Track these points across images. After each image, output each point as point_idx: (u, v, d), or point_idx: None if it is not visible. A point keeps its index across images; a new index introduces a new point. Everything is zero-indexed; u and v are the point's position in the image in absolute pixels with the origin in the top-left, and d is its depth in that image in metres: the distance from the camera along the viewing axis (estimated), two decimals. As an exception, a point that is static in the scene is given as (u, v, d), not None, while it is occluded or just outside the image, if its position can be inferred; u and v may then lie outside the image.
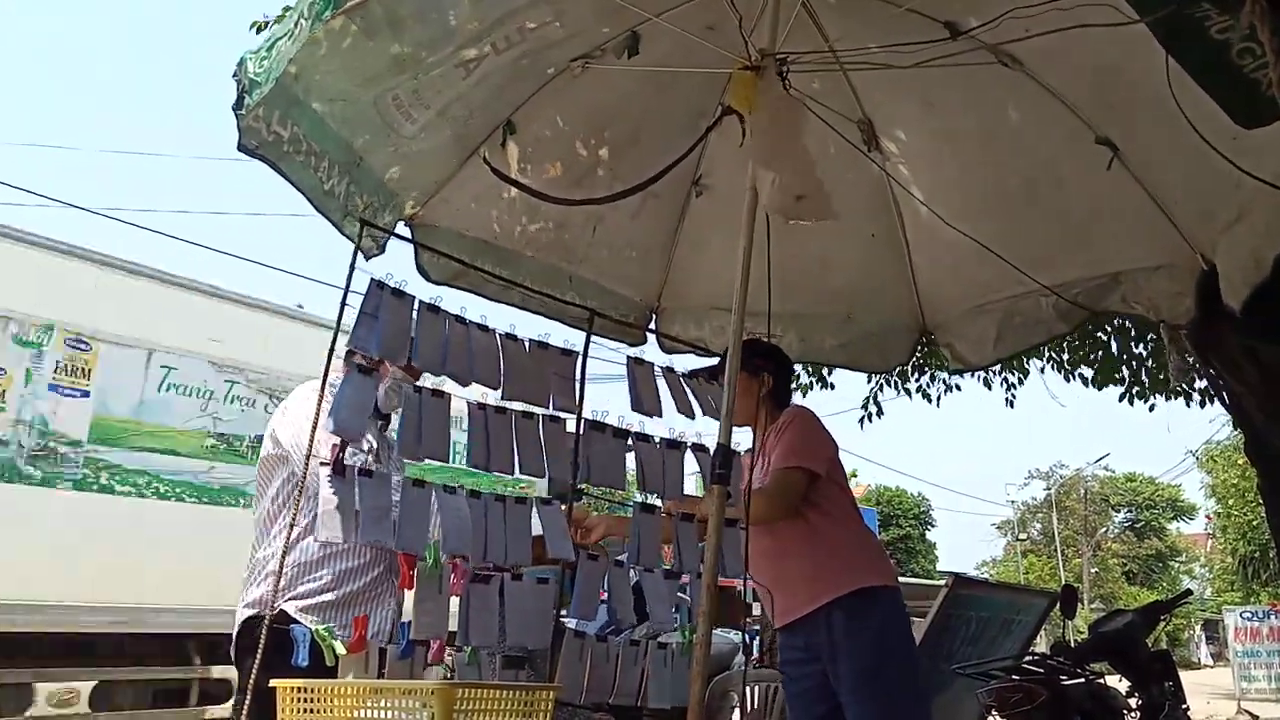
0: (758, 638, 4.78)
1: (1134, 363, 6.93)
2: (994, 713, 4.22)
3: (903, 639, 2.95)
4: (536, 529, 3.09)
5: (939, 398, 7.73)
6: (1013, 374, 7.62)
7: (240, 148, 2.56)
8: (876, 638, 2.86)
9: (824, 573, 2.91)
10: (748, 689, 3.49)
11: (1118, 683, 4.16)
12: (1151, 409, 7.30)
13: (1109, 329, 6.65)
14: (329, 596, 2.80)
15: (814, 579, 2.91)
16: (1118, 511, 42.27)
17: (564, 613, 3.21)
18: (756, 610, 5.12)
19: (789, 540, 2.98)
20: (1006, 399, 7.86)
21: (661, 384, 3.56)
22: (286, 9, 4.35)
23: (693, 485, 4.10)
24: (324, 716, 2.16)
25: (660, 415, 3.50)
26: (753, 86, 2.78)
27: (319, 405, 2.66)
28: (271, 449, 2.92)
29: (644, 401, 3.47)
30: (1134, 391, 7.11)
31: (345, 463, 2.64)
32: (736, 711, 3.56)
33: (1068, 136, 3.26)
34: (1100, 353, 6.87)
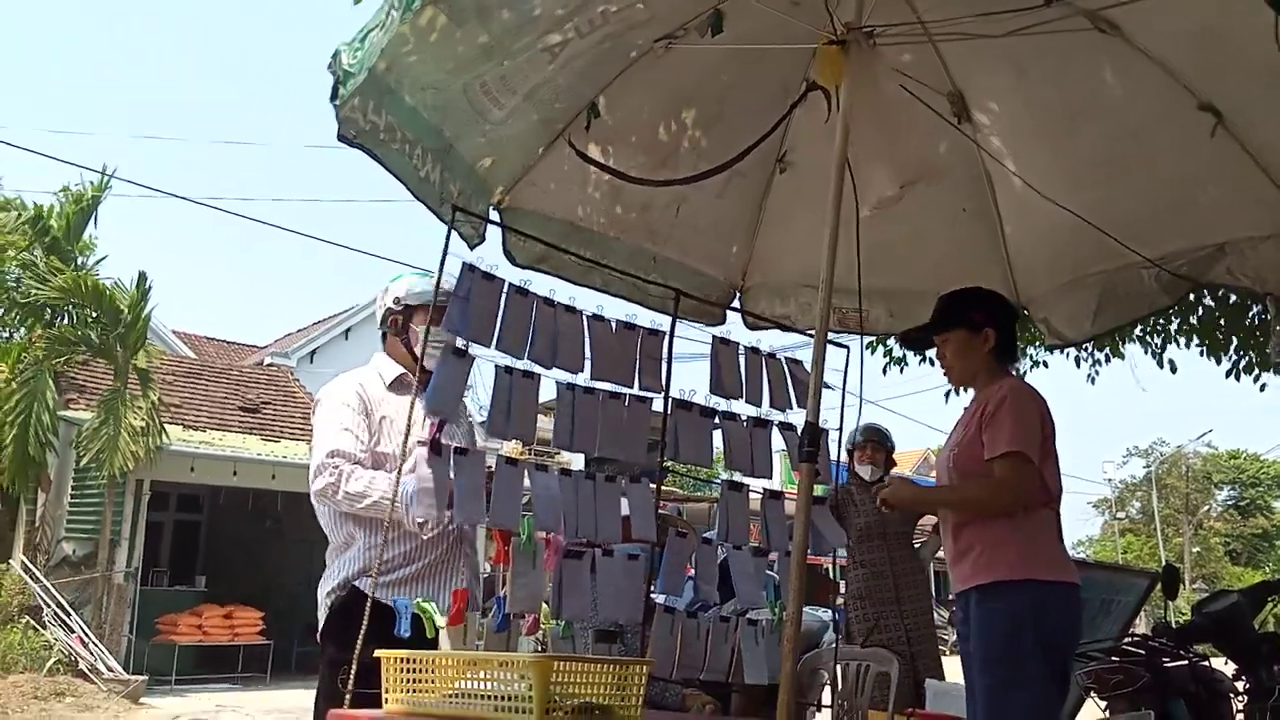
0: (845, 617, 4.78)
1: (1240, 336, 6.64)
2: (1093, 694, 4.14)
3: (1040, 635, 2.69)
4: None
5: (1023, 375, 7.53)
6: (1100, 351, 7.37)
7: (340, 137, 2.64)
8: (1008, 628, 2.73)
9: (984, 556, 2.80)
10: (838, 667, 3.48)
11: (1224, 666, 4.04)
12: (1263, 388, 6.96)
13: (1215, 301, 6.38)
14: (404, 573, 2.90)
15: (976, 559, 2.82)
16: (1220, 489, 40.69)
17: (653, 588, 3.25)
18: (844, 588, 5.10)
19: (970, 516, 2.90)
20: (1089, 375, 7.62)
21: (743, 365, 3.56)
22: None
23: (778, 463, 4.11)
24: (427, 686, 2.24)
25: (741, 398, 3.49)
26: (839, 61, 2.75)
27: (415, 388, 2.76)
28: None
29: (725, 384, 3.47)
30: (1241, 366, 6.82)
31: (443, 442, 2.71)
32: (826, 689, 3.56)
33: (1168, 103, 3.14)
34: (1198, 320, 6.59)
